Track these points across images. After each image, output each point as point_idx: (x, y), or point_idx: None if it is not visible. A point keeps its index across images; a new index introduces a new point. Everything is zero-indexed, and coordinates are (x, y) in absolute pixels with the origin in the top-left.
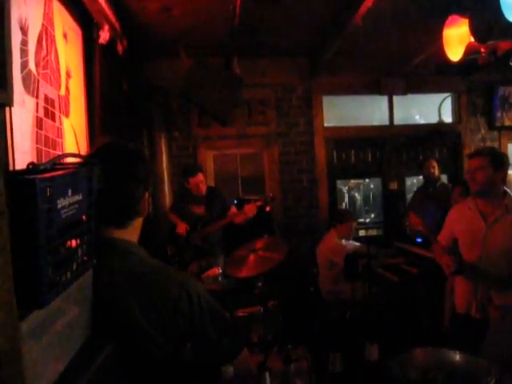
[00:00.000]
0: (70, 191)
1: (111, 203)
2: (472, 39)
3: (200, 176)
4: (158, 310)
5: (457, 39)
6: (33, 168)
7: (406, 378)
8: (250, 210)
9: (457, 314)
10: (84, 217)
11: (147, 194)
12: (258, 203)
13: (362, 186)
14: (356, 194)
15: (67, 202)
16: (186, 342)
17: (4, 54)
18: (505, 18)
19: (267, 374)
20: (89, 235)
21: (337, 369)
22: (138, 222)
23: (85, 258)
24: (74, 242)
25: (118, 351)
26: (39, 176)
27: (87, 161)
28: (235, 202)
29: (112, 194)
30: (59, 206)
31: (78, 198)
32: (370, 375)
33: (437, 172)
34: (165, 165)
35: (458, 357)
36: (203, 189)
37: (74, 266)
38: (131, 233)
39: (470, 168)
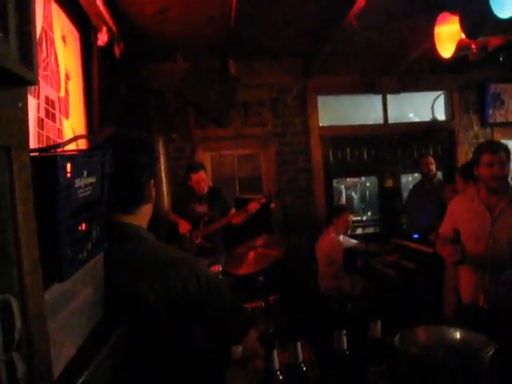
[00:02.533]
0: (85, 172)
1: (118, 190)
2: (463, 36)
3: (202, 174)
4: (168, 292)
5: (448, 36)
6: (52, 146)
7: (408, 354)
8: (254, 207)
9: (463, 304)
10: (98, 199)
11: (153, 182)
12: (263, 200)
13: (358, 185)
14: (352, 193)
15: (83, 183)
16: (196, 324)
17: (31, 37)
18: (494, 14)
19: (275, 353)
20: (102, 217)
21: (342, 346)
22: (146, 209)
23: (98, 240)
24: (88, 223)
25: (130, 331)
26: (60, 153)
27: (100, 145)
28: (233, 202)
29: (118, 181)
30: (76, 186)
31: (93, 180)
32: (373, 352)
33: (434, 168)
34: (162, 166)
35: (457, 333)
36: (204, 187)
37: (90, 246)
38: (140, 218)
39: (493, 162)
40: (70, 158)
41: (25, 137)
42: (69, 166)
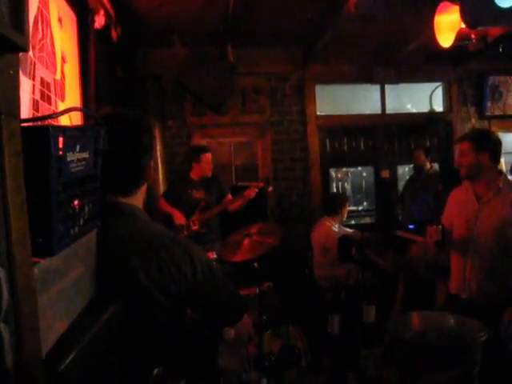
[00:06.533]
0: (78, 147)
1: (118, 172)
2: (463, 25)
3: (210, 154)
4: (161, 272)
5: (448, 25)
6: (44, 116)
7: (402, 339)
8: (251, 193)
9: (450, 294)
10: (91, 175)
11: (152, 162)
12: (260, 184)
13: (354, 175)
14: (348, 183)
15: (75, 157)
16: (188, 306)
17: (22, 2)
18: (495, 4)
19: (268, 335)
20: (95, 194)
21: (335, 331)
22: (143, 189)
23: (91, 216)
24: (81, 199)
25: (122, 311)
26: (52, 124)
27: (94, 120)
28: (229, 189)
29: (119, 163)
30: (68, 159)
31: (85, 155)
32: (368, 336)
33: (423, 161)
34: (159, 153)
35: (451, 319)
36: (211, 168)
37: (82, 222)
38: (137, 199)
39: (457, 153)
40: (62, 129)
41: (15, 104)
42: (61, 137)
